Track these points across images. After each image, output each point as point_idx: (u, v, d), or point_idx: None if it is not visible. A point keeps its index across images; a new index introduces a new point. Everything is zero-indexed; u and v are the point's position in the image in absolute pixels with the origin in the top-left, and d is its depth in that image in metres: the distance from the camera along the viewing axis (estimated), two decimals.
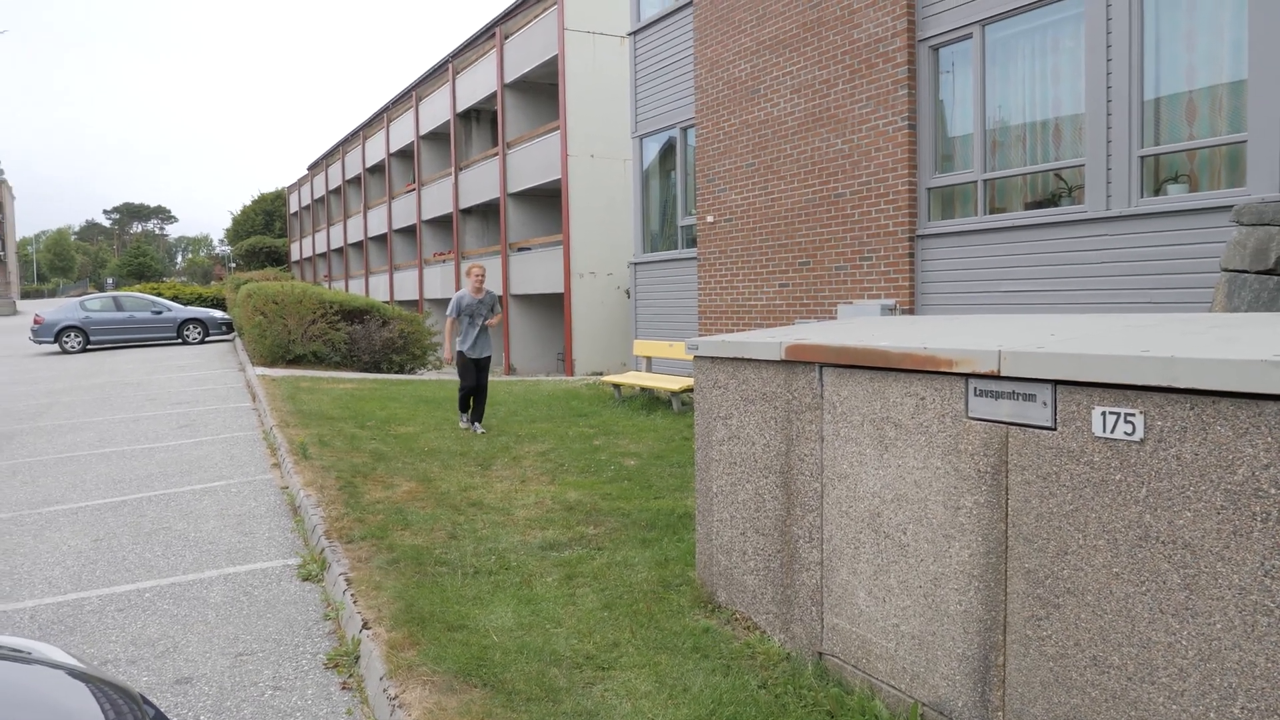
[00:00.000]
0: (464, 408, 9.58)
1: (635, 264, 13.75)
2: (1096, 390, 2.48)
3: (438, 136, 31.41)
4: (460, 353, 9.34)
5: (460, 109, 27.79)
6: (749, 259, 11.02)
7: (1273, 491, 2.09)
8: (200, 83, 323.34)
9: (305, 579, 5.08)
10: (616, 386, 11.87)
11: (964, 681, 2.94)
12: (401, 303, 32.17)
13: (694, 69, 12.16)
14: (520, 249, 23.42)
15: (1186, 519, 2.27)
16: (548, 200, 23.86)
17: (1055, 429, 2.60)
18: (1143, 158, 7.08)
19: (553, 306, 23.18)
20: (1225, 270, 5.75)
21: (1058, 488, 2.60)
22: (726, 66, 11.44)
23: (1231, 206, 6.31)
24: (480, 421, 9.43)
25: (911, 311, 8.82)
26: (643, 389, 11.75)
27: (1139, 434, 2.37)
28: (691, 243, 12.56)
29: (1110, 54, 7.24)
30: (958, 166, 8.64)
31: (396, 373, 17.28)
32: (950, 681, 2.99)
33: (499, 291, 24.22)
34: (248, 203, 67.84)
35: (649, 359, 12.10)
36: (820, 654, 3.60)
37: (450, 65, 28.37)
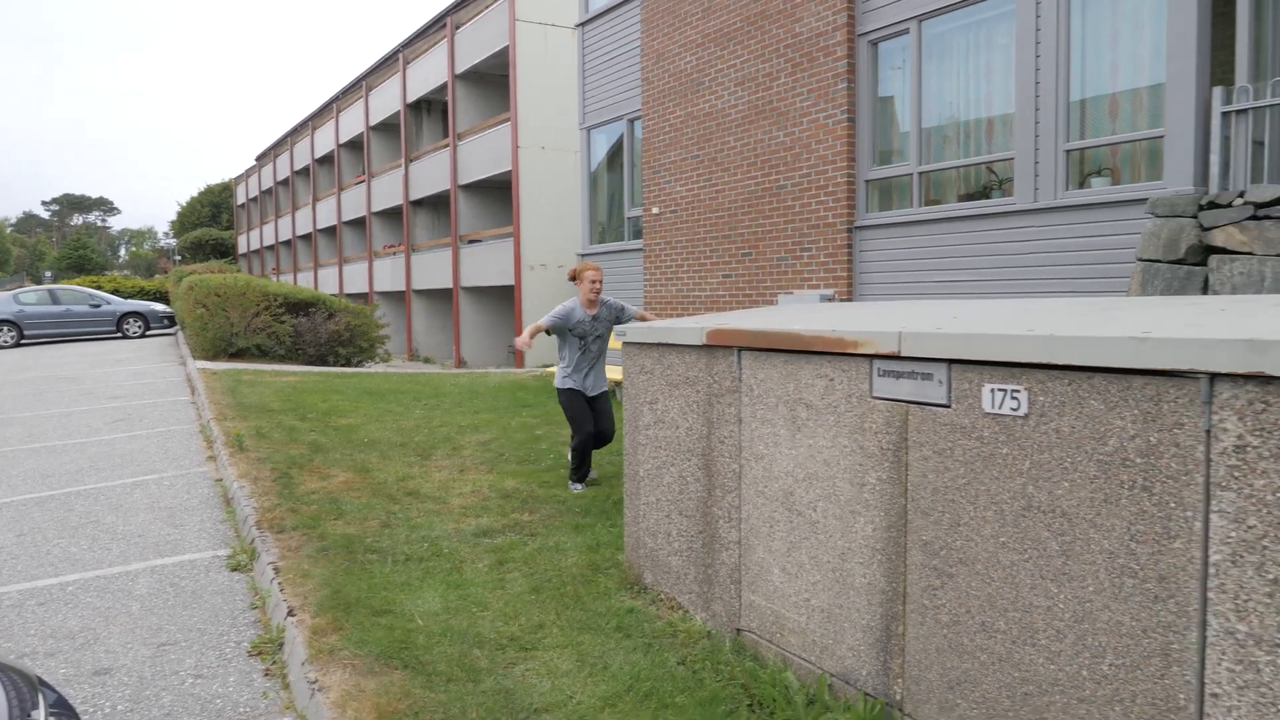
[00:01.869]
0: (580, 463, 6.41)
1: (582, 255, 13.78)
2: (987, 368, 2.58)
3: (388, 127, 31.11)
4: (570, 390, 6.43)
5: (411, 99, 27.55)
6: (694, 250, 11.10)
7: (1139, 461, 2.20)
8: (147, 74, 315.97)
9: (234, 569, 5.05)
10: None
11: (867, 652, 3.03)
12: (351, 296, 31.83)
13: (641, 61, 12.21)
14: (471, 241, 23.30)
15: (1064, 489, 2.37)
16: (499, 192, 23.76)
17: (950, 406, 2.70)
18: (1068, 152, 7.27)
19: (504, 299, 23.11)
20: (1141, 260, 5.95)
21: (952, 462, 2.70)
22: (672, 59, 11.50)
23: (1148, 199, 6.52)
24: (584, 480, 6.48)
25: (850, 301, 8.97)
26: None
27: (1023, 409, 2.47)
28: (638, 234, 12.62)
29: (1039, 51, 7.42)
30: (895, 159, 8.80)
31: (343, 366, 17.12)
32: (855, 652, 3.09)
33: (449, 283, 24.09)
34: (194, 194, 66.53)
35: None
36: (739, 630, 3.69)
37: (401, 55, 28.11)
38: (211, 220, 63.13)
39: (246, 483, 6.50)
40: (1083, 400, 2.32)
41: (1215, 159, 6.19)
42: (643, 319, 6.61)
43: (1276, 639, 1.95)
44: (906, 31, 8.58)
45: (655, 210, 11.74)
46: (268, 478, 6.64)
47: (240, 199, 55.99)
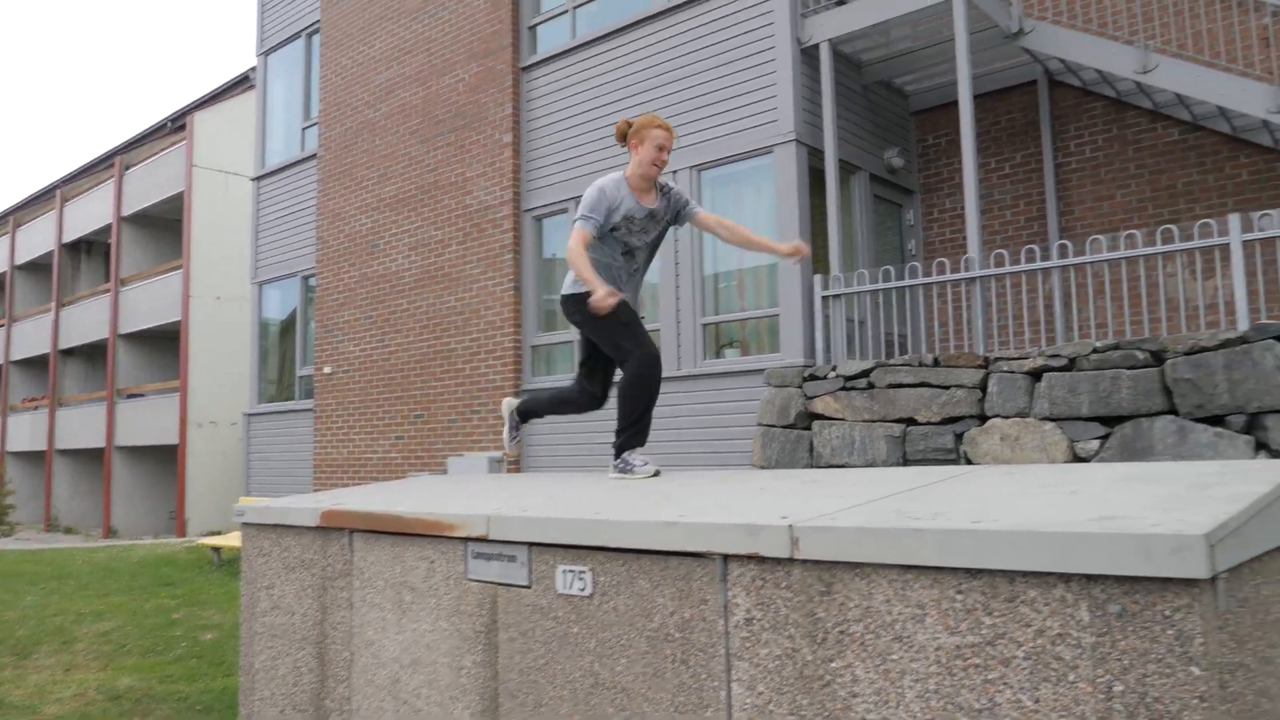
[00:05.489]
0: (647, 409, 4.21)
1: (250, 415, 13.01)
2: (560, 550, 2.73)
3: (37, 267, 28.07)
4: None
5: (68, 239, 25.18)
6: (366, 411, 10.87)
7: (678, 636, 2.40)
8: None
9: None
10: (216, 550, 10.93)
11: None
12: None
13: (317, 220, 12.11)
14: (131, 395, 21.23)
15: (623, 665, 2.53)
16: (166, 343, 22.02)
17: (530, 587, 2.81)
18: (704, 325, 8.08)
19: (166, 459, 21.07)
20: (760, 425, 6.65)
21: (534, 643, 2.79)
22: (349, 220, 11.53)
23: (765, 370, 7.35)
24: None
25: (516, 464, 9.15)
26: None
27: (589, 589, 2.63)
28: (309, 394, 12.17)
29: (677, 234, 8.28)
30: (558, 326, 9.29)
31: None
32: None
33: (102, 442, 21.63)
34: None
35: None
36: None
37: (59, 192, 25.79)
38: None
39: None
40: (634, 580, 2.52)
41: (819, 336, 7.15)
42: (709, 222, 4.42)
43: None
44: (566, 210, 9.26)
45: (328, 370, 11.44)
46: None
47: None
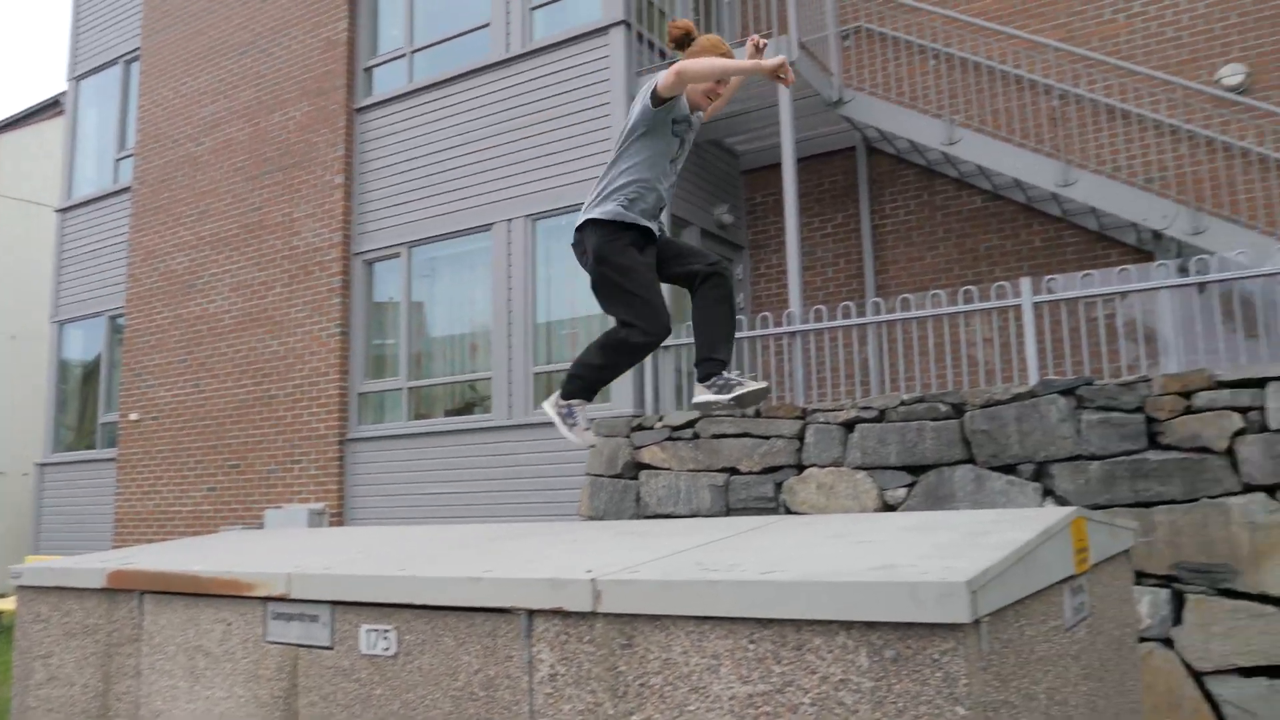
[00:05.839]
0: (611, 373, 3.68)
1: (43, 465, 11.95)
2: (365, 609, 2.64)
3: None
4: (630, 238, 3.51)
5: None
6: (176, 461, 10.20)
7: (482, 694, 2.36)
8: None
9: None
10: None
11: None
12: None
13: (128, 256, 11.37)
14: None
15: None
16: None
17: (333, 648, 2.69)
18: (535, 374, 8.07)
19: None
20: (589, 474, 6.67)
21: (335, 707, 2.66)
22: (164, 257, 10.90)
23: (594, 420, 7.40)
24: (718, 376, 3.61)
25: (340, 516, 8.79)
26: None
27: (393, 649, 2.54)
28: (113, 442, 11.31)
29: (510, 284, 8.28)
30: (387, 374, 9.05)
31: None
32: None
33: None
34: None
35: None
36: None
37: None
38: None
39: None
40: (439, 638, 2.46)
41: (649, 386, 7.26)
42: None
43: None
44: (398, 255, 9.09)
45: (134, 416, 10.67)
46: None
47: None
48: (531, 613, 2.29)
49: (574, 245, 3.70)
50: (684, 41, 3.59)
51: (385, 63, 9.71)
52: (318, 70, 9.86)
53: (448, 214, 8.76)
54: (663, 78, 3.34)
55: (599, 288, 3.59)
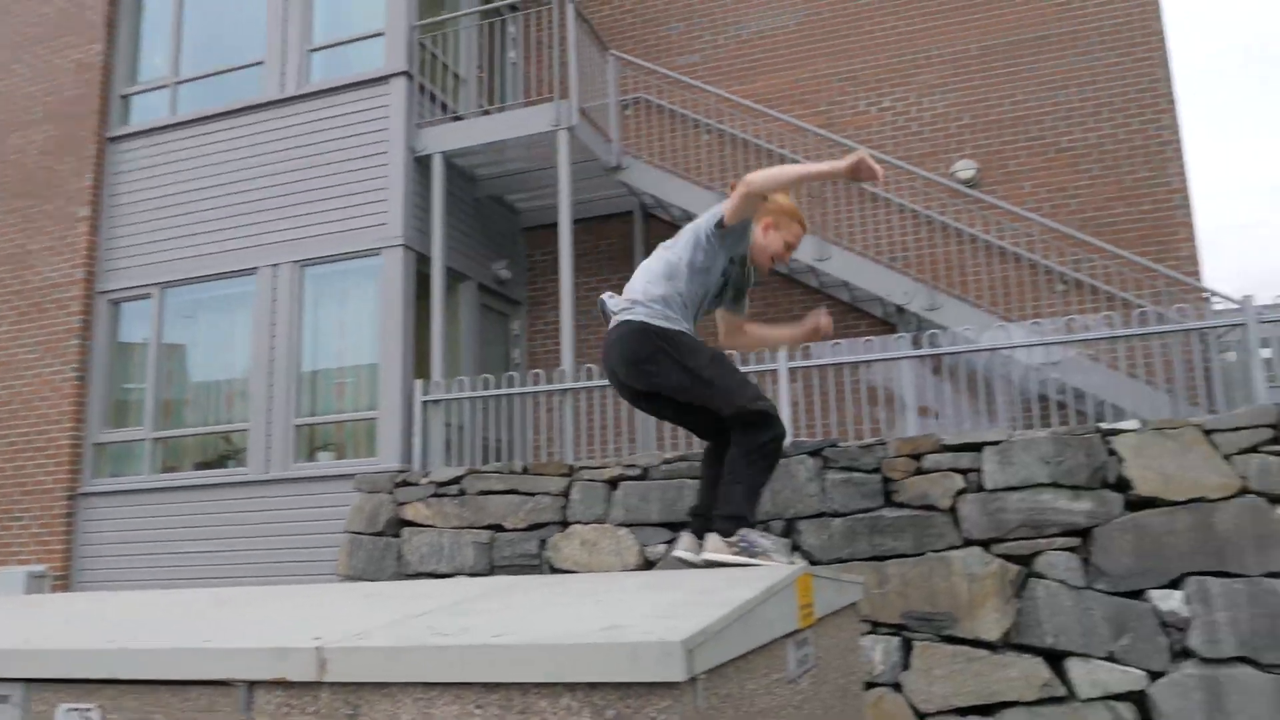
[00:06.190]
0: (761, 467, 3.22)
1: None
2: (64, 686, 2.40)
3: None
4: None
5: None
6: None
7: None
8: None
9: None
10: None
11: None
12: None
13: None
14: None
15: None
16: None
17: None
18: (298, 426, 7.71)
19: None
20: (348, 532, 6.41)
21: None
22: None
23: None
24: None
25: (66, 579, 7.94)
26: None
27: None
28: None
29: (274, 331, 7.90)
30: (131, 422, 8.34)
31: None
32: None
33: None
34: None
35: None
36: None
37: None
38: None
39: None
40: (150, 715, 2.28)
41: (417, 441, 7.11)
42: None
43: None
44: (150, 296, 8.46)
45: None
46: None
47: None
48: (251, 684, 2.17)
49: (634, 356, 3.33)
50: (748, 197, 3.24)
51: (145, 91, 9.12)
52: (67, 93, 9.10)
53: (209, 255, 8.27)
54: (727, 203, 3.14)
55: (690, 379, 3.29)
